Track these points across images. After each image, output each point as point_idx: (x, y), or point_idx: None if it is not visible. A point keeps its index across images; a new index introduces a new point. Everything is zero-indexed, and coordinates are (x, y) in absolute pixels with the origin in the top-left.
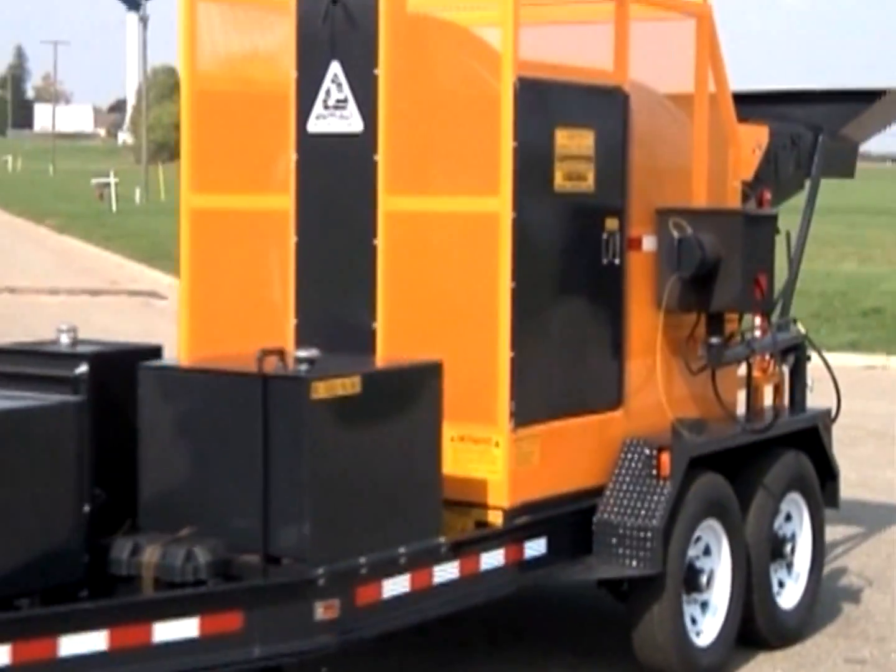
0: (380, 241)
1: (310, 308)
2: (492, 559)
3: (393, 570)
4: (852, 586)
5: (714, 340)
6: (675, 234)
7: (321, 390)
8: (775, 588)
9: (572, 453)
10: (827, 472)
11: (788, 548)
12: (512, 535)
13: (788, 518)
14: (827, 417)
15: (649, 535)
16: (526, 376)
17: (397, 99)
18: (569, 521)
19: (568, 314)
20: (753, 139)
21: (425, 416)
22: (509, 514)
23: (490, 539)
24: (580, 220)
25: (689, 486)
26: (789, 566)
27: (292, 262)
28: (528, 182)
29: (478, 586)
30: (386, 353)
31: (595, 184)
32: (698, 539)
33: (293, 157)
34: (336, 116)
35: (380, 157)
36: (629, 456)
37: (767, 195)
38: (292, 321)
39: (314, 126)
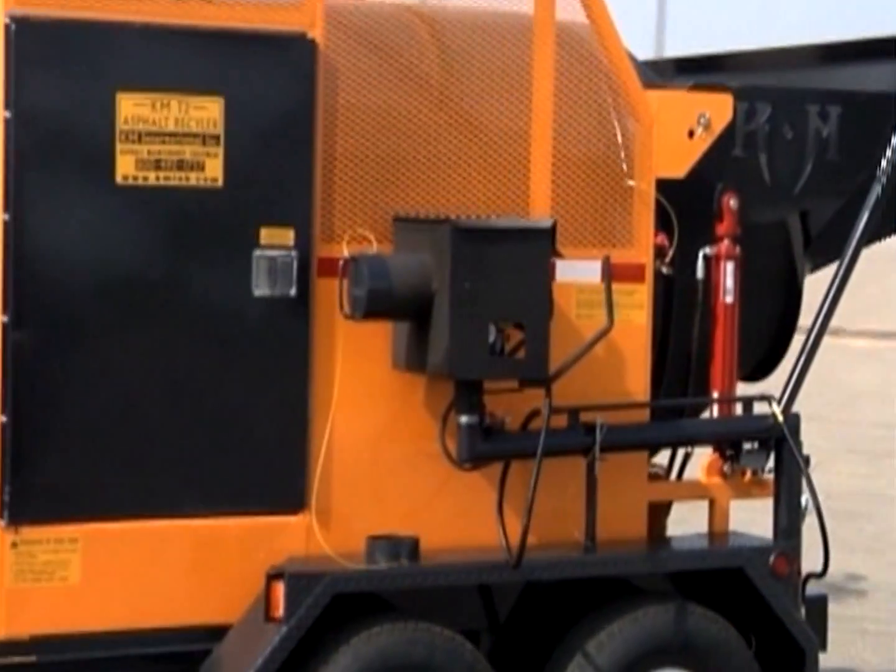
0: None
1: None
2: None
3: None
4: None
5: (464, 420)
6: (345, 253)
7: None
8: None
9: (174, 571)
10: (786, 641)
11: None
12: None
13: None
14: (778, 555)
15: None
16: (42, 451)
17: None
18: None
19: (153, 365)
20: (690, 113)
21: None
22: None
23: None
24: (189, 229)
25: (339, 638)
26: None
27: None
28: (42, 171)
29: None
30: None
31: (229, 176)
32: None
33: None
34: None
35: None
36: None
37: (731, 202)
38: None
39: None
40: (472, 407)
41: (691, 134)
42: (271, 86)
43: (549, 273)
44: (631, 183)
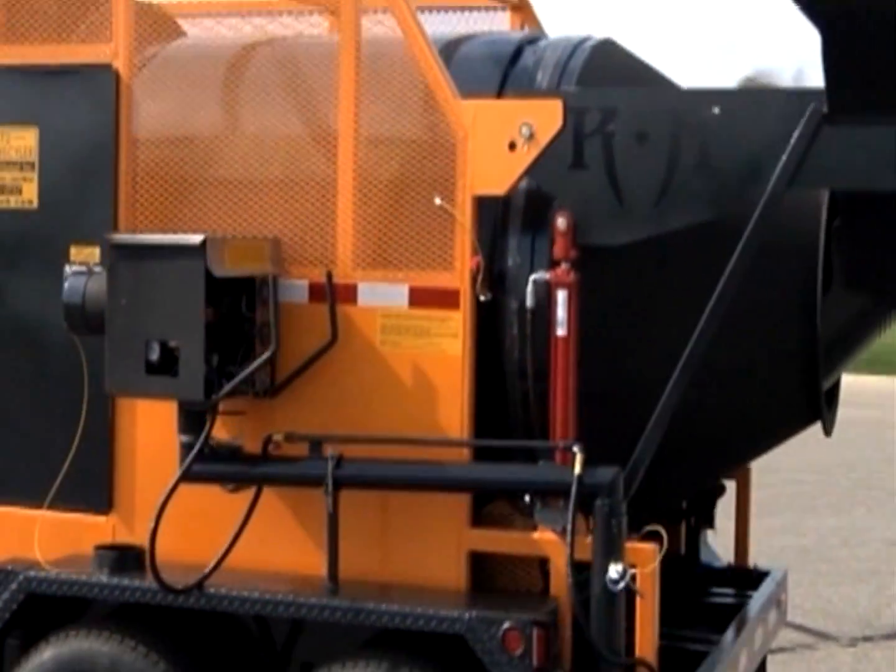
0: None
1: None
2: None
3: None
4: None
5: (182, 439)
6: (70, 269)
7: None
8: None
9: None
10: None
11: None
12: None
13: None
14: (509, 628)
15: None
16: None
17: None
18: None
19: None
20: (511, 123)
21: None
22: None
23: None
24: (9, 247)
25: (38, 640)
26: None
27: None
28: None
29: None
30: None
31: (42, 199)
32: None
33: None
34: None
35: None
36: None
37: (560, 222)
38: None
39: None
40: (191, 426)
41: (513, 146)
42: (78, 114)
43: (203, 291)
44: (438, 201)
